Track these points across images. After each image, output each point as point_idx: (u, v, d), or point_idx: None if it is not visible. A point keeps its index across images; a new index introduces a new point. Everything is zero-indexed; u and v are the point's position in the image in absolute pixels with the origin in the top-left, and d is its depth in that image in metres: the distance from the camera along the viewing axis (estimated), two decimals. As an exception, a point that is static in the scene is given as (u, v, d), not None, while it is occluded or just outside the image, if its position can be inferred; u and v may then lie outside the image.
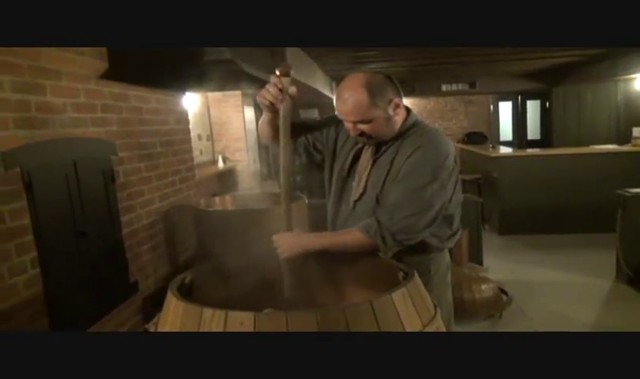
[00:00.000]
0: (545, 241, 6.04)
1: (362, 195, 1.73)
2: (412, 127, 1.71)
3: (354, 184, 1.77)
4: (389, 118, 1.65)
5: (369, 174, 1.72)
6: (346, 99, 1.62)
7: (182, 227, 3.96)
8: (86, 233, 2.62)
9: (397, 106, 1.66)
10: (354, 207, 1.76)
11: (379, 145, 1.72)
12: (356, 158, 1.79)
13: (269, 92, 1.62)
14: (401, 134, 1.70)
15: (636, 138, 6.61)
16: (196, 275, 1.51)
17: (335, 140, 1.89)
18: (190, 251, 4.06)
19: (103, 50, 2.84)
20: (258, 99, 1.67)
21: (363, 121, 1.63)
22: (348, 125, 1.68)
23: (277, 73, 1.62)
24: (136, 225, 3.28)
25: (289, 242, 1.65)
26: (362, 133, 1.67)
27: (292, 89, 1.64)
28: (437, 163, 1.61)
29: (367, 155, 1.75)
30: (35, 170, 2.26)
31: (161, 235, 3.64)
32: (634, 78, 7.06)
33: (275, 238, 1.67)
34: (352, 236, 1.63)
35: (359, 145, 1.78)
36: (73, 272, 2.53)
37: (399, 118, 1.69)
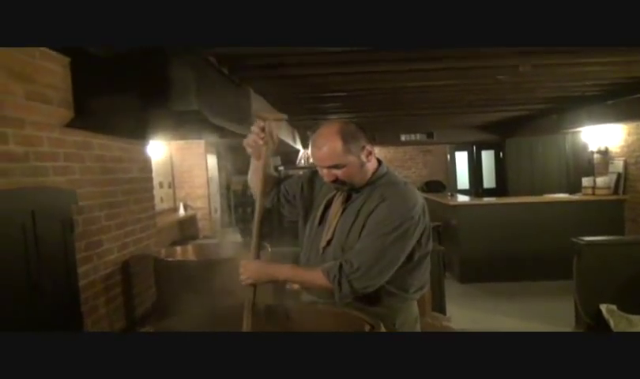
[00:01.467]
0: (505, 288, 6.15)
1: (329, 241, 1.77)
2: (382, 177, 1.78)
3: (323, 231, 1.80)
4: (362, 164, 1.72)
5: (337, 221, 1.76)
6: (321, 145, 1.70)
7: (141, 278, 3.84)
8: (40, 286, 2.50)
9: (370, 153, 1.74)
10: (322, 253, 1.79)
11: (350, 193, 1.78)
12: (328, 206, 1.84)
13: (254, 135, 1.76)
14: (371, 183, 1.76)
15: (585, 188, 6.93)
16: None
17: (312, 193, 1.94)
18: (148, 303, 3.93)
19: (70, 98, 2.80)
20: (245, 143, 1.79)
21: (337, 167, 1.70)
22: (323, 171, 1.75)
23: (265, 116, 1.77)
24: (93, 276, 3.16)
25: (256, 269, 1.74)
26: (336, 179, 1.72)
27: (276, 134, 1.78)
28: (401, 215, 1.66)
29: (337, 203, 1.80)
30: (-9, 221, 2.16)
31: (119, 287, 3.51)
32: (580, 131, 7.46)
33: (243, 263, 1.74)
34: (314, 275, 1.70)
35: (332, 193, 1.83)
36: (24, 327, 2.39)
37: (371, 166, 1.76)
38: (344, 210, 1.78)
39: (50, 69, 2.68)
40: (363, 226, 1.69)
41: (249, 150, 1.82)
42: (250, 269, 1.72)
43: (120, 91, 2.76)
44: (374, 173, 1.77)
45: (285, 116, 1.99)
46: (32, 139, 2.50)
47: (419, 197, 1.78)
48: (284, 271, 1.80)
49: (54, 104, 2.68)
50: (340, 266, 1.63)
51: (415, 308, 1.89)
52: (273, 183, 1.98)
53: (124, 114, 2.87)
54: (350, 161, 1.69)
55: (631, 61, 3.67)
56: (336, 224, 1.77)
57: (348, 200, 1.79)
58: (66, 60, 2.79)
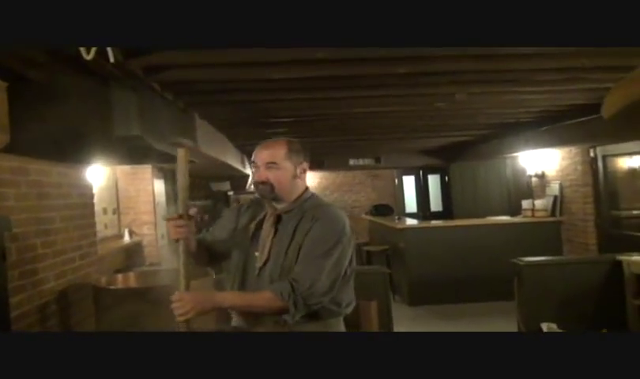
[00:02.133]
0: (452, 310, 6.28)
1: (266, 262, 1.80)
2: (308, 199, 1.88)
3: (257, 253, 1.83)
4: (294, 176, 1.84)
5: (272, 242, 1.80)
6: (266, 146, 1.85)
7: (80, 308, 3.69)
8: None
9: (304, 171, 1.88)
10: (259, 273, 1.80)
11: (279, 216, 1.83)
12: (257, 229, 1.88)
13: (179, 227, 1.79)
14: (299, 204, 1.84)
15: (525, 210, 7.23)
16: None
17: (236, 222, 1.97)
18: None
19: (6, 123, 2.71)
20: (173, 237, 1.80)
21: (274, 165, 1.80)
22: (258, 170, 1.82)
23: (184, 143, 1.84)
24: (27, 306, 3.03)
25: (196, 299, 1.67)
26: (266, 181, 1.79)
27: (193, 210, 1.86)
28: (337, 231, 1.78)
29: (268, 225, 1.84)
30: None
31: (55, 317, 3.37)
32: (518, 156, 7.81)
33: (178, 295, 1.66)
34: (263, 297, 1.70)
35: (260, 217, 1.88)
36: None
37: (301, 184, 1.88)
38: (275, 231, 1.82)
39: (-16, 92, 2.59)
40: (301, 245, 1.76)
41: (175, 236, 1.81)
42: (188, 301, 1.64)
43: (59, 117, 2.69)
44: (300, 194, 1.87)
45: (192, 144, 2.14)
46: (-37, 164, 2.40)
47: (345, 216, 1.90)
48: (228, 297, 1.79)
49: (-13, 129, 2.58)
50: (292, 285, 1.66)
51: (342, 325, 1.93)
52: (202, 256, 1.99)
53: (63, 139, 2.80)
54: (286, 167, 1.81)
55: (558, 90, 3.90)
56: (271, 245, 1.80)
57: (278, 221, 1.84)
58: (3, 84, 2.71)
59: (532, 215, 7.06)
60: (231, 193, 9.02)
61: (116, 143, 2.89)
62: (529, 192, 7.63)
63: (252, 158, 1.86)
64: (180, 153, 1.83)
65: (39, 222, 3.17)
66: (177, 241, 1.77)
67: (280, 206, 1.86)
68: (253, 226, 1.90)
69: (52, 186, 3.37)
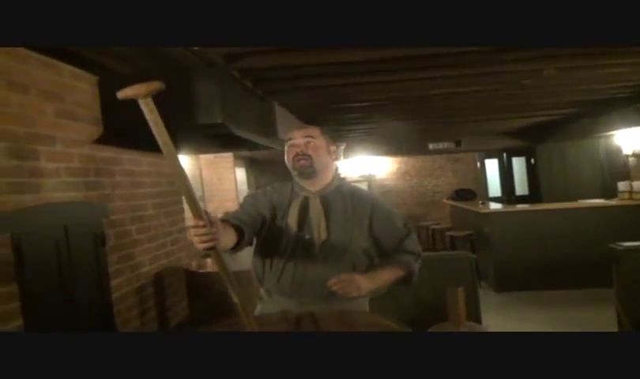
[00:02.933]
0: (542, 297, 5.98)
1: (325, 241, 1.82)
2: (343, 182, 1.99)
3: (311, 233, 1.84)
4: (329, 154, 1.91)
5: (327, 221, 1.85)
6: (300, 126, 1.99)
7: (173, 291, 3.89)
8: (74, 299, 2.57)
9: (334, 153, 1.96)
10: (318, 252, 1.83)
11: (324, 197, 1.89)
12: (302, 208, 1.88)
13: (203, 235, 1.41)
14: (336, 186, 1.94)
15: (622, 192, 6.72)
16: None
17: (269, 203, 1.93)
18: (181, 316, 3.97)
19: (98, 115, 2.89)
20: (201, 246, 1.43)
21: (312, 139, 1.86)
22: (295, 147, 1.86)
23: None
24: (126, 289, 3.23)
25: (363, 283, 1.74)
26: (304, 157, 1.84)
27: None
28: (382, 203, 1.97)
29: (315, 207, 1.87)
30: (25, 235, 2.24)
31: (152, 299, 3.57)
32: (613, 135, 7.26)
33: (353, 277, 1.73)
34: (394, 273, 1.87)
35: (299, 199, 1.88)
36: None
37: (333, 165, 1.96)
38: (325, 211, 1.86)
39: (79, 87, 2.78)
40: (369, 225, 1.88)
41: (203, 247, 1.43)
42: (359, 285, 1.72)
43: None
44: (334, 177, 1.96)
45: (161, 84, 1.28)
46: (63, 155, 2.59)
47: None
48: (382, 277, 1.85)
49: (83, 121, 2.77)
50: (414, 255, 1.90)
51: None
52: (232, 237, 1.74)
53: (150, 129, 2.94)
54: (322, 144, 1.89)
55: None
56: (328, 224, 1.84)
57: (323, 202, 1.88)
58: (94, 78, 2.89)
59: (630, 198, 6.54)
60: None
61: (199, 131, 2.99)
62: (626, 172, 7.09)
63: (288, 139, 1.89)
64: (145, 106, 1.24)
65: (133, 209, 3.36)
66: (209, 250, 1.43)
67: (315, 188, 1.89)
68: (297, 208, 1.87)
69: (143, 175, 3.56)
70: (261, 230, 1.89)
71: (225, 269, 1.43)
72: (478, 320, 4.53)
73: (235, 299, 1.42)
